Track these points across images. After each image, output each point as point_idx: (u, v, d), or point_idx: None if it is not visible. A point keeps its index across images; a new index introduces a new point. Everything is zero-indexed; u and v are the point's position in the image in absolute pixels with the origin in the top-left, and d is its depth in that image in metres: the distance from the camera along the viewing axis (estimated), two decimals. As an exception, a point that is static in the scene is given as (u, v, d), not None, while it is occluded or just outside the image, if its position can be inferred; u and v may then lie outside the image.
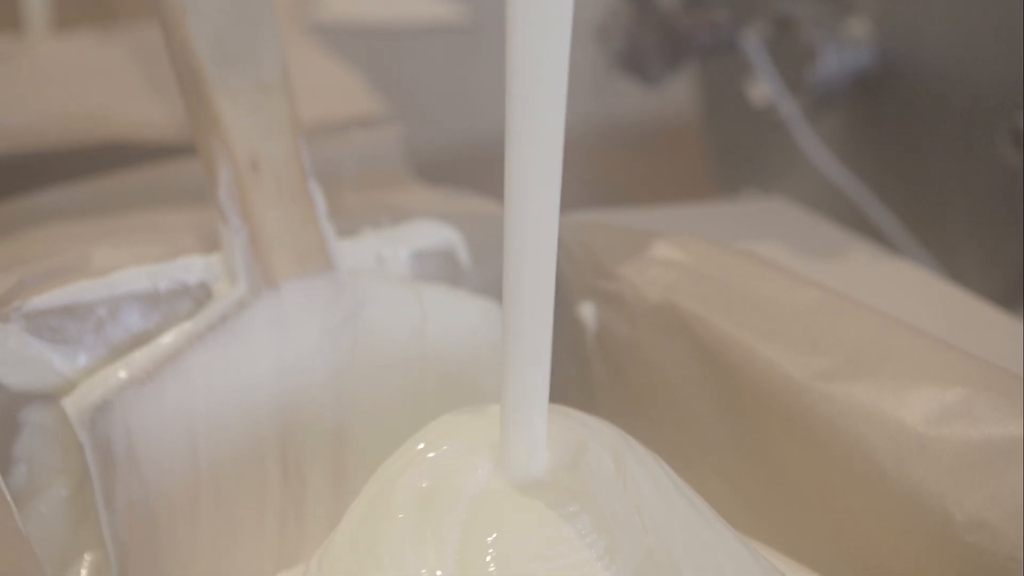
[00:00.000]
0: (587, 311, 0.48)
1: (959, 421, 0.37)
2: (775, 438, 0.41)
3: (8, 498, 0.35)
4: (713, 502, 0.37)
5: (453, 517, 0.33)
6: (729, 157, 0.77)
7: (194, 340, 0.40)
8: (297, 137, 0.43)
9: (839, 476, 0.39)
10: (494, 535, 0.33)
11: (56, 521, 0.40)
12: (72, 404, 0.39)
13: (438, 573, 0.32)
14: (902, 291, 0.50)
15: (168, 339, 0.40)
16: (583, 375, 0.49)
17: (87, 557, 0.40)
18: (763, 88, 0.66)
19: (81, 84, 0.59)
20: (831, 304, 0.42)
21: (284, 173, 0.42)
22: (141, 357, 0.40)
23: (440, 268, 0.47)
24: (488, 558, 0.32)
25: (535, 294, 0.32)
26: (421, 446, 0.36)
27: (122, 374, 0.39)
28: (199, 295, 0.42)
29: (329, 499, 0.42)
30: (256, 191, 0.42)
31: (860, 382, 0.39)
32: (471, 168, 0.64)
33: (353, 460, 0.43)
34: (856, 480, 0.38)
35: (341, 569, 0.33)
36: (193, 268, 0.42)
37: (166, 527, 0.40)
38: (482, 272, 0.48)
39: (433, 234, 0.47)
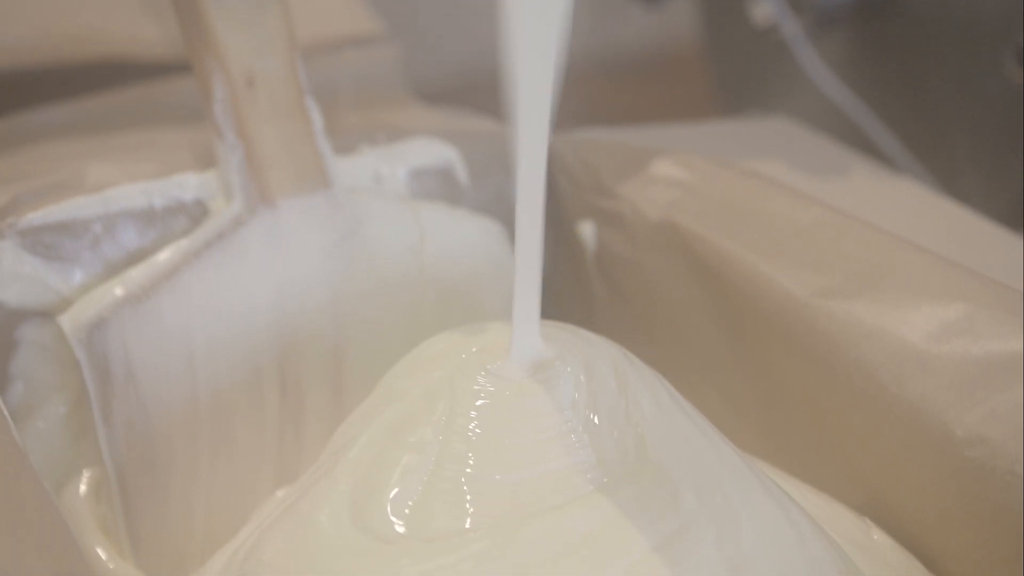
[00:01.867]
0: (587, 230, 0.48)
1: (960, 337, 0.37)
2: (776, 356, 0.41)
3: (5, 413, 0.35)
4: (714, 420, 0.37)
5: (445, 443, 0.33)
6: (731, 79, 0.76)
7: (191, 257, 0.40)
8: (293, 54, 0.42)
9: (839, 393, 0.39)
10: (487, 460, 0.33)
11: (54, 438, 0.40)
12: (68, 321, 0.38)
13: (394, 520, 0.32)
14: (903, 209, 0.50)
15: (164, 256, 0.40)
16: (583, 294, 0.49)
17: (86, 473, 0.40)
18: (765, 8, 0.65)
19: (76, 1, 0.58)
20: (833, 222, 0.42)
21: (280, 89, 0.42)
22: (137, 274, 0.40)
23: (438, 186, 0.46)
24: (477, 485, 0.32)
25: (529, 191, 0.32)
26: (419, 363, 0.36)
27: (118, 291, 0.39)
28: (195, 212, 0.41)
29: (327, 416, 0.42)
30: (252, 107, 0.41)
31: (861, 299, 0.39)
32: (469, 92, 0.63)
33: (351, 377, 0.43)
34: (856, 397, 0.38)
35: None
36: (189, 185, 0.41)
37: (164, 444, 0.40)
38: (480, 191, 0.47)
39: (431, 152, 0.46)
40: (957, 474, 0.35)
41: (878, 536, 0.38)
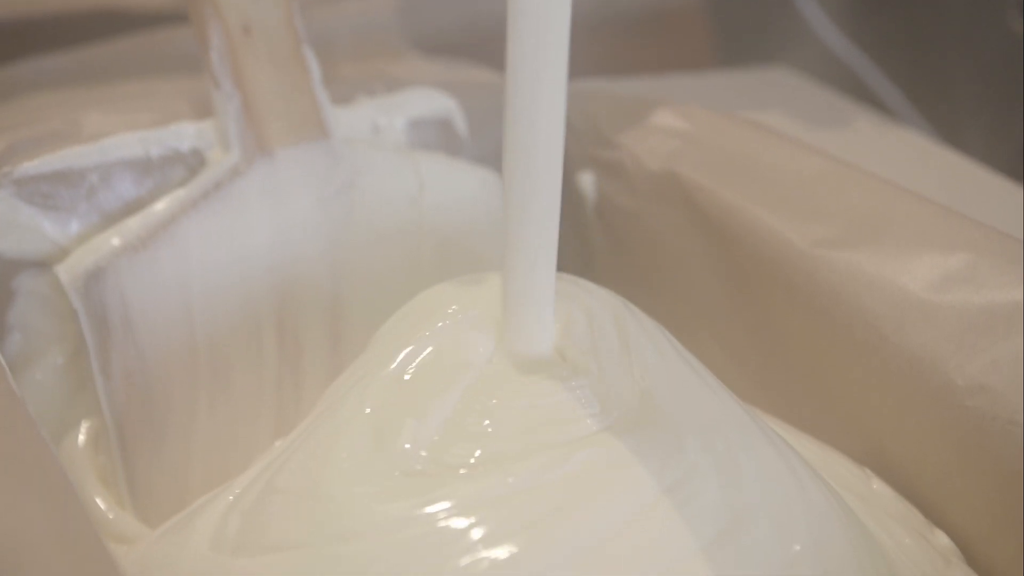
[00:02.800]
0: (587, 181, 0.48)
1: (962, 287, 0.36)
2: (776, 306, 0.41)
3: (2, 363, 0.35)
4: (714, 371, 0.36)
5: (451, 387, 0.33)
6: (733, 32, 0.76)
7: (188, 207, 0.40)
8: (291, 2, 0.42)
9: (840, 343, 0.39)
10: (494, 402, 0.33)
11: (53, 389, 0.40)
12: (65, 271, 0.38)
13: (407, 446, 0.32)
14: (905, 159, 0.50)
15: (161, 206, 0.40)
16: (582, 245, 0.49)
17: (85, 424, 0.40)
18: (767, -41, 0.64)
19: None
20: (834, 172, 0.42)
21: (277, 38, 0.41)
22: (134, 224, 0.39)
23: (437, 137, 0.46)
24: (486, 422, 0.32)
25: (545, 150, 0.31)
26: (419, 312, 0.36)
27: (115, 241, 0.39)
28: (192, 162, 0.41)
29: (326, 367, 0.42)
30: (248, 56, 0.41)
31: (863, 249, 0.39)
32: (469, 45, 0.63)
33: (350, 328, 0.43)
34: (857, 347, 0.38)
35: (325, 432, 0.33)
36: (185, 135, 0.41)
37: (163, 394, 0.40)
38: (480, 142, 0.47)
39: (430, 102, 0.46)
40: (958, 424, 0.35)
41: (877, 486, 0.38)
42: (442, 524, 0.30)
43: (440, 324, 0.34)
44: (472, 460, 0.31)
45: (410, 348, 0.34)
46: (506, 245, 0.33)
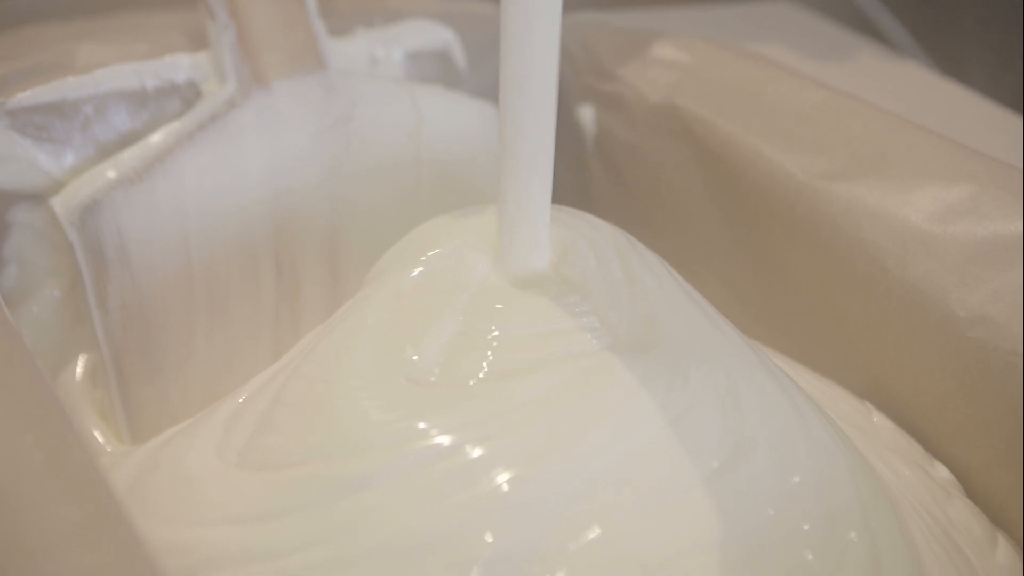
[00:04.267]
0: (586, 114, 0.47)
1: (964, 218, 0.36)
2: (777, 240, 0.41)
3: (-3, 293, 0.35)
4: (714, 305, 0.36)
5: (453, 303, 0.33)
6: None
7: (184, 140, 0.40)
8: (287, -70, 0.41)
9: (841, 276, 0.39)
10: (498, 317, 0.32)
11: (50, 322, 0.40)
12: (60, 203, 0.38)
13: (415, 358, 0.31)
14: (908, 92, 0.49)
15: (157, 138, 0.39)
16: (582, 179, 0.49)
17: (82, 358, 0.40)
18: None
19: None
20: (836, 104, 0.41)
21: (273, -32, 0.41)
22: (130, 156, 0.39)
23: (435, 69, 0.46)
24: (493, 334, 0.32)
25: (540, 70, 0.31)
26: (418, 243, 0.35)
27: (111, 174, 0.38)
28: (188, 94, 0.41)
29: (323, 299, 0.42)
30: (244, -14, 0.40)
31: (864, 181, 0.38)
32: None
33: (347, 261, 0.42)
34: (858, 280, 0.38)
35: (329, 353, 0.33)
36: (181, 66, 0.41)
37: (160, 327, 0.39)
38: (479, 74, 0.47)
39: (428, 34, 0.45)
40: (958, 355, 0.35)
41: (878, 419, 0.38)
42: (449, 439, 0.29)
43: (439, 250, 0.34)
44: (481, 374, 0.31)
45: (410, 270, 0.34)
46: (502, 158, 0.32)
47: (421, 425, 0.30)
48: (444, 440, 0.29)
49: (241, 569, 0.29)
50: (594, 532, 0.29)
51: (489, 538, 0.28)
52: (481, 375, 0.31)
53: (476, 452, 0.29)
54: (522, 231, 0.33)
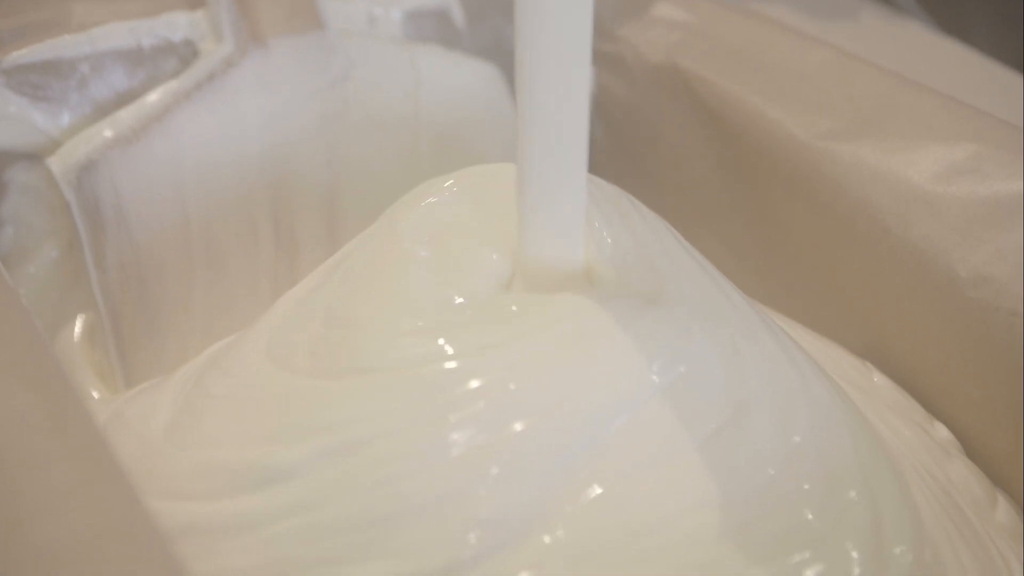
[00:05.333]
0: (586, 74, 0.47)
1: (966, 178, 0.36)
2: (778, 200, 0.41)
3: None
4: (715, 265, 0.36)
5: (453, 281, 0.32)
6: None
7: (181, 99, 0.39)
8: None
9: (843, 236, 0.38)
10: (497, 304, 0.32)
11: (47, 282, 0.40)
12: (57, 163, 0.38)
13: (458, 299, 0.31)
14: (910, 51, 0.49)
15: (154, 97, 0.39)
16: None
17: (80, 318, 0.40)
18: None
19: None
20: (838, 64, 0.41)
21: (270, -76, 0.41)
22: (127, 116, 0.39)
23: (434, 29, 0.45)
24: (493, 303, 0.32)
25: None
26: (416, 203, 0.35)
27: (108, 133, 0.38)
28: (185, 53, 0.40)
29: (321, 256, 0.42)
30: (241, -57, 0.40)
31: (867, 141, 0.38)
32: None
33: (345, 220, 0.42)
34: (860, 239, 0.38)
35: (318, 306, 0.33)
36: (178, 25, 0.40)
37: (158, 287, 0.39)
38: (477, 34, 0.46)
39: (427, -7, 0.45)
40: (960, 315, 0.35)
41: (878, 378, 0.38)
42: (455, 365, 0.29)
43: (445, 211, 0.33)
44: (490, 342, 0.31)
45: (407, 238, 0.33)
46: (521, 122, 0.29)
47: (433, 347, 0.30)
48: (451, 364, 0.29)
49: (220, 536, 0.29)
50: (594, 492, 0.29)
51: (487, 499, 0.28)
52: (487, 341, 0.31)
53: (479, 405, 0.29)
54: (550, 219, 0.31)
